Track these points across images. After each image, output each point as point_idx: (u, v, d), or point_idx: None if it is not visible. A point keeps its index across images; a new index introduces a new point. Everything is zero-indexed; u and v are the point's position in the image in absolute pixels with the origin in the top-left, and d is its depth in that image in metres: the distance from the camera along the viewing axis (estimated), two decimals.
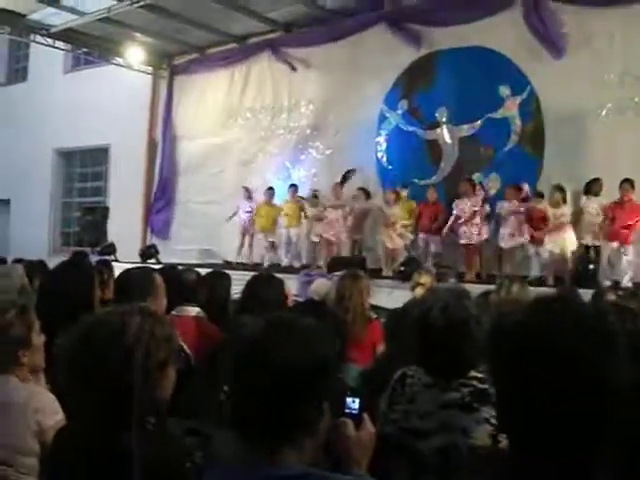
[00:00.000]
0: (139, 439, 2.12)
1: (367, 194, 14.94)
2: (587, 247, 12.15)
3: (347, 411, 2.15)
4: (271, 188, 16.47)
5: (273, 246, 16.37)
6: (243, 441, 1.88)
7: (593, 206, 12.07)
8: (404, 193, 14.41)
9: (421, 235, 14.02)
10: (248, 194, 16.82)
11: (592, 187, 12.10)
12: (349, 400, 2.15)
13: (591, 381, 1.47)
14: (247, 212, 16.57)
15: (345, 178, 15.46)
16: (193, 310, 5.35)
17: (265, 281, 5.21)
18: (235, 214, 16.71)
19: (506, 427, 1.66)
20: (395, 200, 14.15)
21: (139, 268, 5.23)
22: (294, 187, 16.11)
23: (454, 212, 13.27)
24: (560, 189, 12.12)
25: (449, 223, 13.39)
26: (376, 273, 12.97)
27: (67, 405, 2.97)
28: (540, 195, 12.54)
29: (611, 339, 1.53)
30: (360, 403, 2.16)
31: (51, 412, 3.19)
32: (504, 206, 12.78)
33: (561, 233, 12.01)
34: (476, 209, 13.00)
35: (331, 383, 1.92)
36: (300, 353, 1.86)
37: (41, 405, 3.25)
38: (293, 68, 17.20)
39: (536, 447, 1.52)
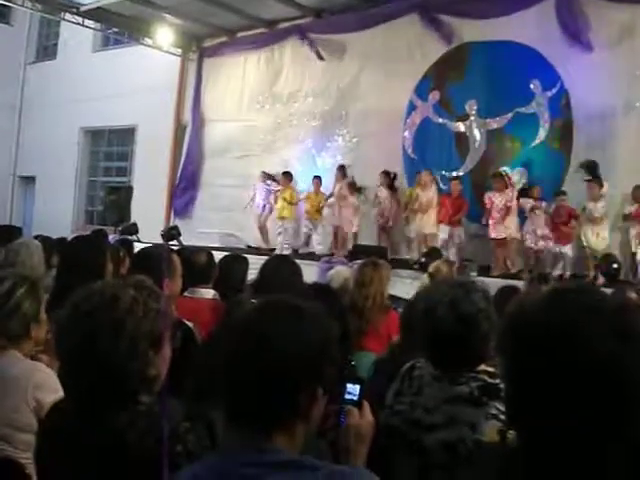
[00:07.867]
0: (129, 418, 2.05)
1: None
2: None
3: (347, 397, 2.07)
4: (287, 172, 16.51)
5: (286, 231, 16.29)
6: (234, 425, 1.80)
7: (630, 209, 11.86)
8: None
9: (442, 226, 13.83)
10: (265, 178, 16.86)
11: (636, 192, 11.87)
12: (350, 386, 2.08)
13: (612, 380, 1.36)
14: (264, 199, 16.68)
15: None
16: (208, 292, 5.31)
17: (277, 263, 5.14)
18: (252, 200, 16.84)
19: (514, 420, 1.56)
20: (431, 183, 14.14)
21: (156, 246, 5.19)
22: (318, 178, 16.11)
23: (487, 206, 13.09)
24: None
25: (485, 215, 13.20)
26: (397, 263, 12.86)
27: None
28: (564, 193, 12.37)
29: (636, 336, 1.41)
30: (361, 390, 2.08)
31: (50, 389, 3.11)
32: (527, 202, 12.70)
33: (595, 228, 11.83)
34: (509, 204, 12.83)
35: (328, 369, 1.82)
36: (294, 336, 1.77)
37: (41, 381, 3.20)
38: (320, 57, 17.05)
39: (547, 443, 1.43)
